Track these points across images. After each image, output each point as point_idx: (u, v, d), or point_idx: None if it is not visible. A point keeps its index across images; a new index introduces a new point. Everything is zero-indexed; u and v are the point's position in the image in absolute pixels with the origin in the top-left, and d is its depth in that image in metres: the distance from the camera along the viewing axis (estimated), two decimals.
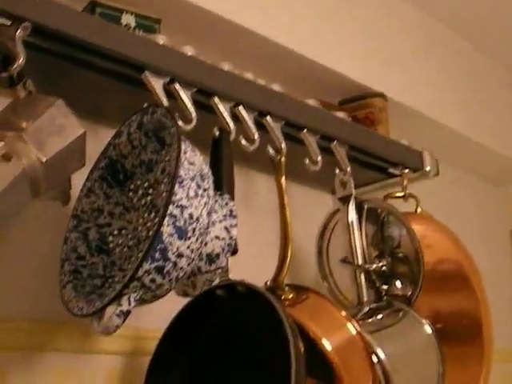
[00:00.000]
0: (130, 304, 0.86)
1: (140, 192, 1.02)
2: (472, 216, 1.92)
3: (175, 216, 0.84)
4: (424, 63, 1.71)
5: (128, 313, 0.86)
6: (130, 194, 1.03)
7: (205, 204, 0.88)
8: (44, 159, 0.82)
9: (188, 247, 0.86)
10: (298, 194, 1.39)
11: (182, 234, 0.85)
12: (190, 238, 0.86)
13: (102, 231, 1.01)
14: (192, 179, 0.87)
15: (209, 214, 0.89)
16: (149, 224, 1.01)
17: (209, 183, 0.90)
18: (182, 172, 0.86)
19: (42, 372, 1.01)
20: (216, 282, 0.98)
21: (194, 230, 0.86)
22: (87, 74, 1.00)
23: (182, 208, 0.85)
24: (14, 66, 0.86)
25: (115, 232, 1.02)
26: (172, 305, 1.02)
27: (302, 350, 0.92)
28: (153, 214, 1.01)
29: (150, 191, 1.02)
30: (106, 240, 1.01)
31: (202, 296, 1.04)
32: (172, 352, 1.05)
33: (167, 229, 0.84)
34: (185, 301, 1.06)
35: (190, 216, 0.86)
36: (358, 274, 1.22)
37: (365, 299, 1.21)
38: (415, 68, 1.67)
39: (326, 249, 1.32)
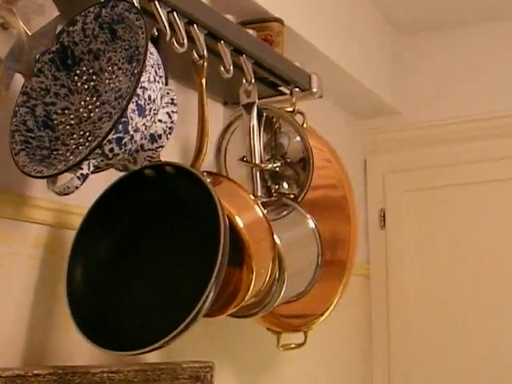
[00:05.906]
0: (89, 168, 0.99)
1: (84, 77, 1.14)
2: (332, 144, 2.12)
3: (138, 95, 0.98)
4: None
5: (87, 176, 0.99)
6: (76, 78, 1.14)
7: (160, 89, 1.02)
8: (30, 33, 0.92)
9: (143, 124, 1.00)
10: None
11: (141, 111, 0.99)
12: (146, 116, 1.00)
13: (48, 109, 1.12)
14: (152, 66, 1.01)
15: (161, 98, 1.03)
16: (90, 106, 1.14)
17: (163, 73, 1.04)
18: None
19: None
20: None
21: (150, 109, 1.01)
22: None
23: (144, 89, 0.99)
24: None
25: (59, 111, 1.13)
26: (97, 185, 1.13)
27: (228, 222, 1.07)
28: (94, 98, 1.14)
29: (94, 77, 1.14)
30: (51, 117, 1.12)
31: (130, 175, 1.17)
32: (98, 225, 1.16)
33: (131, 105, 0.97)
34: (109, 182, 1.18)
35: (149, 97, 1.00)
36: (255, 172, 1.40)
37: (259, 194, 1.39)
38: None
39: (224, 148, 1.48)
